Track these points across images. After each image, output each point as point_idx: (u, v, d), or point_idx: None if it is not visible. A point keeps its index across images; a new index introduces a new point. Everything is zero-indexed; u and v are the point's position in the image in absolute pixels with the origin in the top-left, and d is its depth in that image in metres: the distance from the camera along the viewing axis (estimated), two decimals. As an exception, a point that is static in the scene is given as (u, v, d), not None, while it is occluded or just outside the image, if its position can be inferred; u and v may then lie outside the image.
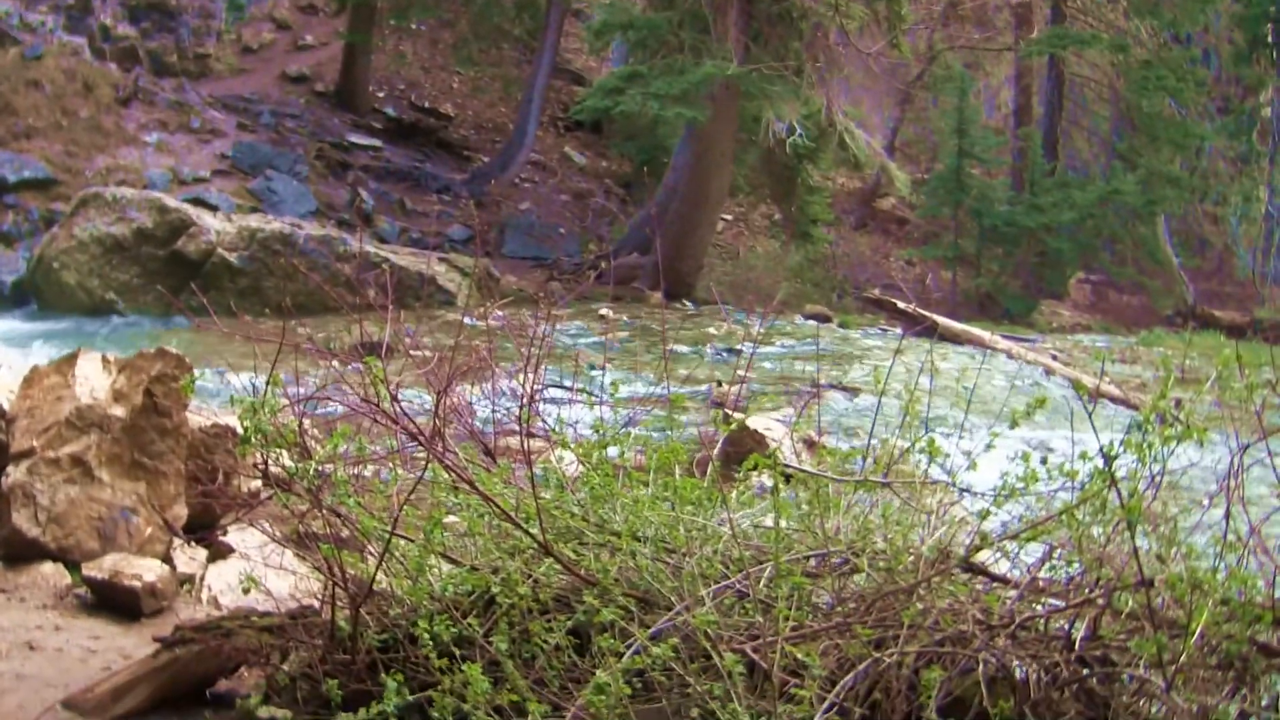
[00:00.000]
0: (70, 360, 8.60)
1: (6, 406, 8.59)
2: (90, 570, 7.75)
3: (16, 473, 8.13)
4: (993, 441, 5.31)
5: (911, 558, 4.87)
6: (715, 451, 6.16)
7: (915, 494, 5.30)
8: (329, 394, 5.66)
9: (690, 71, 26.45)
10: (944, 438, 5.37)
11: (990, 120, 44.02)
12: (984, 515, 5.02)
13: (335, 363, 5.80)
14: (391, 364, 5.56)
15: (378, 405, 5.25)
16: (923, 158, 45.13)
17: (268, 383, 5.16)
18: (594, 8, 35.02)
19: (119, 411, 8.26)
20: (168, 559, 8.16)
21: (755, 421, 10.01)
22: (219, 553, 8.32)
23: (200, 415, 8.88)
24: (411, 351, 6.60)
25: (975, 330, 24.41)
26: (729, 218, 36.13)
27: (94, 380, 8.45)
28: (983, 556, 4.88)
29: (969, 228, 36.25)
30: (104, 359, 8.64)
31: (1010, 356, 22.03)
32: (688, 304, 28.40)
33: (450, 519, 5.53)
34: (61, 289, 24.10)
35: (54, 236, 24.67)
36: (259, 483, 8.31)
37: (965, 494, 5.30)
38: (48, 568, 7.95)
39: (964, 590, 4.77)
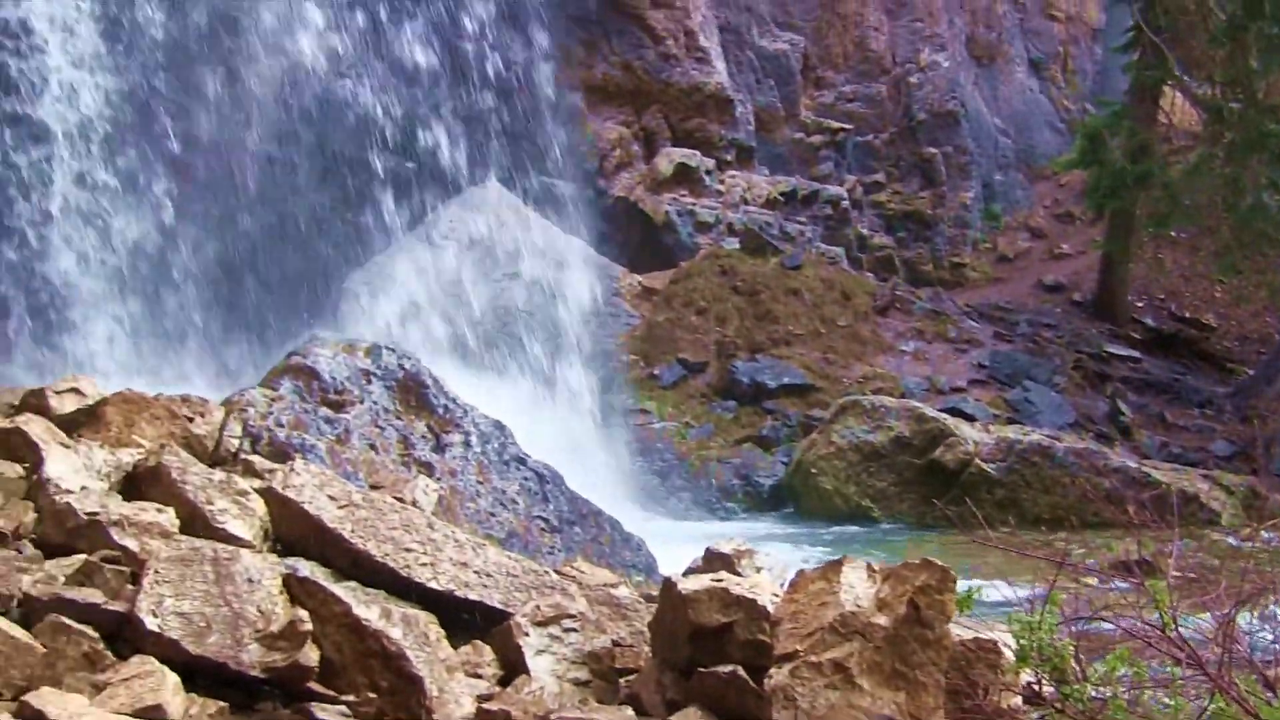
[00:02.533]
0: (836, 567, 8.73)
1: (772, 609, 8.80)
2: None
3: (780, 675, 8.28)
4: None
5: None
6: None
7: None
8: (1103, 614, 5.50)
9: None
10: None
11: None
12: None
13: (1102, 580, 5.65)
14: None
15: (1160, 630, 5.05)
16: None
17: (1045, 600, 5.06)
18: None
19: (882, 620, 8.30)
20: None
21: None
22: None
23: (960, 627, 8.83)
24: (1175, 572, 6.36)
25: None
26: None
27: (858, 588, 8.53)
28: None
29: None
30: (869, 567, 8.73)
31: None
32: None
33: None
34: (818, 494, 24.64)
35: (812, 442, 25.30)
36: (1017, 699, 8.17)
37: None
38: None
39: None
